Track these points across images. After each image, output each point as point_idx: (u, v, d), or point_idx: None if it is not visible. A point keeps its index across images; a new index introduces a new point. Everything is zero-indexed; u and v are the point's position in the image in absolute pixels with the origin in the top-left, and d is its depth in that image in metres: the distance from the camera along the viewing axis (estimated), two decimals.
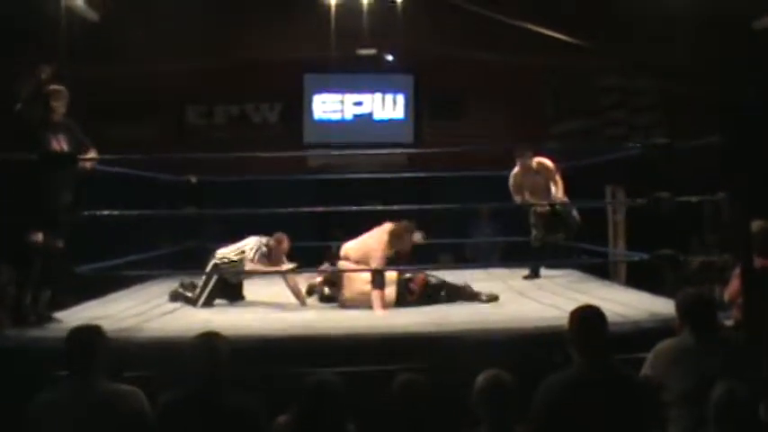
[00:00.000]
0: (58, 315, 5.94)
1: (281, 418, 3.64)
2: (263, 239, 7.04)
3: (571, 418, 3.53)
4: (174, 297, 7.10)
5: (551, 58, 11.57)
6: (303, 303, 6.88)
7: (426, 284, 6.83)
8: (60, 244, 5.97)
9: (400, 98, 12.65)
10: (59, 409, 3.67)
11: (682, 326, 4.11)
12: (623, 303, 6.12)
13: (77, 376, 3.76)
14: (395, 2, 11.58)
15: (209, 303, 6.86)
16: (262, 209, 6.96)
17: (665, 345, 4.06)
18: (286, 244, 7.10)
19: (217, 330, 3.98)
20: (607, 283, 8.29)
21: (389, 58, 12.44)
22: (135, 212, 6.74)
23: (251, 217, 7.19)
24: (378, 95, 12.67)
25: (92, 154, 6.16)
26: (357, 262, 6.93)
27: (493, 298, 6.90)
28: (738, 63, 10.35)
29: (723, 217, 8.38)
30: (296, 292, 6.90)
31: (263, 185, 9.17)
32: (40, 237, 5.82)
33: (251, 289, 7.28)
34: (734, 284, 5.57)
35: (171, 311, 6.60)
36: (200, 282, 6.98)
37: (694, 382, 3.75)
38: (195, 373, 3.71)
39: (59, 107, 6.02)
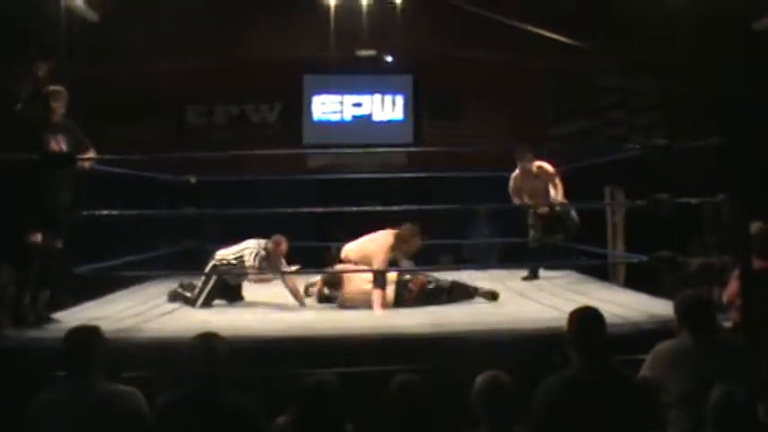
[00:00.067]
0: (57, 315, 5.94)
1: (281, 419, 3.64)
2: (262, 242, 7.04)
3: (570, 419, 3.53)
4: (173, 297, 7.10)
5: (551, 58, 11.57)
6: (302, 304, 6.88)
7: (424, 286, 6.83)
8: (59, 244, 5.96)
9: (399, 99, 12.66)
10: (58, 409, 3.66)
11: (680, 327, 4.10)
12: (622, 305, 6.11)
13: (76, 377, 3.76)
14: (394, 3, 11.58)
15: (207, 304, 6.86)
16: (261, 209, 6.96)
17: (663, 346, 4.06)
18: (284, 246, 7.09)
19: (215, 331, 3.97)
20: (606, 284, 8.28)
21: (389, 58, 12.45)
22: (134, 212, 6.73)
23: (250, 217, 7.18)
24: (377, 96, 12.68)
25: (91, 154, 6.15)
26: (357, 263, 6.94)
27: (493, 294, 6.91)
28: (738, 63, 10.35)
29: (723, 218, 8.37)
30: (295, 293, 6.90)
31: (262, 186, 9.18)
32: (39, 237, 5.81)
33: (250, 289, 7.28)
34: (733, 286, 5.57)
35: (169, 312, 6.59)
36: (199, 282, 6.99)
37: (693, 384, 3.74)
38: (194, 374, 3.71)
39: (59, 107, 6.01)
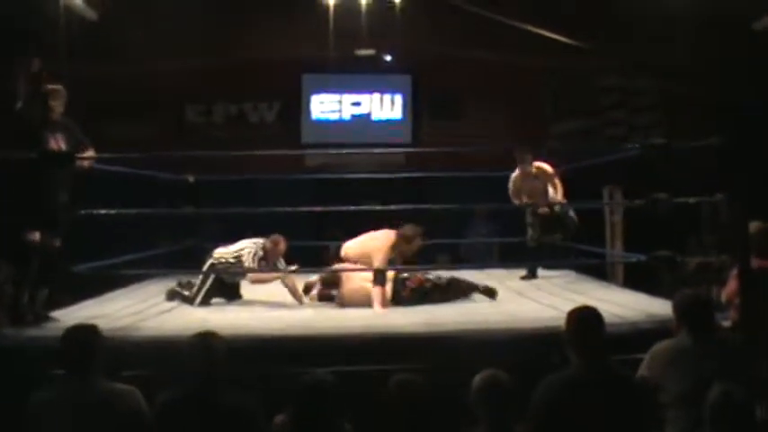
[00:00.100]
0: (56, 314, 5.94)
1: (278, 418, 3.64)
2: (260, 241, 7.04)
3: (569, 418, 3.53)
4: (171, 296, 7.09)
5: (551, 58, 11.58)
6: (301, 302, 6.88)
7: (422, 284, 6.83)
8: (58, 243, 5.96)
9: (398, 98, 12.66)
10: (57, 408, 3.66)
11: (679, 327, 4.10)
12: (620, 304, 6.11)
13: (74, 376, 3.76)
14: (393, 2, 11.57)
15: (206, 302, 6.86)
16: (259, 208, 6.96)
17: (662, 346, 4.06)
18: (282, 245, 7.10)
19: (214, 329, 3.98)
20: (604, 283, 8.28)
21: (388, 58, 12.45)
22: (132, 211, 6.73)
23: (249, 216, 7.19)
24: (376, 96, 12.68)
25: (90, 153, 6.15)
26: (357, 261, 6.95)
27: (491, 290, 6.93)
28: (738, 63, 10.36)
29: (721, 218, 8.37)
30: (293, 292, 6.91)
31: (261, 185, 9.18)
32: (37, 236, 5.80)
33: (248, 288, 7.27)
34: (731, 285, 5.57)
35: (168, 310, 6.59)
36: (197, 281, 6.98)
37: (691, 383, 3.74)
38: (192, 373, 3.71)
39: (57, 106, 6.01)
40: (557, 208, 8.21)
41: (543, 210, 8.24)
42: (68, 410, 3.64)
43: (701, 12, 9.71)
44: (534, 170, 8.20)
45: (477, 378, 3.51)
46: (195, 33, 10.65)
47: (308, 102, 12.62)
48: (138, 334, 5.40)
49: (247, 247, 6.98)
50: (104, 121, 10.52)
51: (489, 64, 11.89)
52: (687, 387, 3.77)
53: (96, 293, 7.18)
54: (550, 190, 8.19)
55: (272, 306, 6.77)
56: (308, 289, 7.14)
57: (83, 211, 6.07)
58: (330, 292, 6.93)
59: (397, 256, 7.03)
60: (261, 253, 6.97)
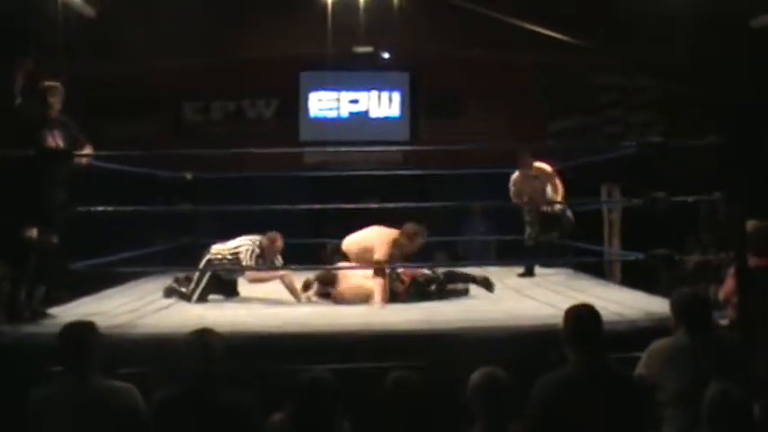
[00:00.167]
0: (53, 311, 5.93)
1: (277, 416, 3.63)
2: (257, 239, 7.04)
3: (566, 417, 3.52)
4: (169, 293, 7.09)
5: (549, 57, 11.57)
6: (298, 300, 6.88)
7: (414, 279, 6.84)
8: (55, 240, 5.95)
9: (396, 96, 12.66)
10: (54, 405, 3.66)
11: (677, 325, 4.10)
12: (618, 302, 6.11)
13: (71, 373, 3.76)
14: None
15: (203, 299, 6.86)
16: (257, 206, 6.95)
17: (659, 344, 4.06)
18: (280, 243, 7.09)
19: (211, 326, 3.98)
20: (602, 281, 8.28)
21: (386, 55, 12.44)
22: (129, 209, 6.73)
23: (246, 214, 7.19)
24: (374, 93, 12.67)
25: (87, 150, 6.15)
26: (358, 254, 6.94)
27: (488, 281, 6.97)
28: (738, 63, 10.37)
29: (719, 216, 8.38)
30: (291, 289, 6.90)
31: (259, 182, 9.17)
32: (34, 233, 5.80)
33: (246, 285, 7.27)
34: (729, 284, 5.57)
35: (165, 308, 6.59)
36: (194, 277, 6.98)
37: (689, 382, 3.74)
38: (189, 370, 3.71)
39: (56, 103, 6.01)
40: (555, 207, 8.23)
41: (547, 209, 8.26)
42: (66, 407, 3.64)
43: (700, 11, 9.73)
44: (534, 171, 8.22)
45: (475, 375, 3.50)
46: (193, 31, 10.66)
47: (306, 99, 12.62)
48: (135, 331, 5.40)
49: (245, 245, 6.97)
50: (103, 119, 10.54)
51: (488, 62, 11.89)
52: (685, 385, 3.77)
53: (94, 291, 7.17)
54: (549, 189, 8.21)
55: (269, 303, 6.77)
56: (306, 286, 7.14)
57: (80, 209, 6.06)
58: (328, 290, 6.93)
59: (398, 254, 7.02)
60: (258, 251, 6.97)
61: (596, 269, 8.96)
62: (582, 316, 3.79)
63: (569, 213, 8.38)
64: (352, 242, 7.09)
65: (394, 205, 7.13)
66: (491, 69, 11.92)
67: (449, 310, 6.27)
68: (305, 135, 12.46)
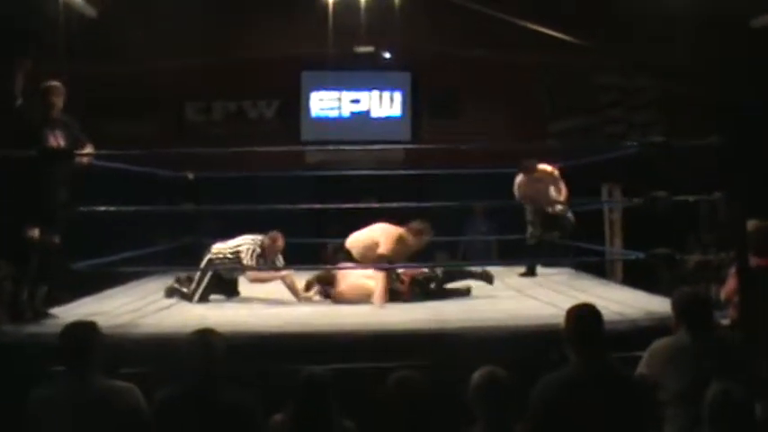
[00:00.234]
0: (55, 311, 5.93)
1: (278, 416, 3.63)
2: (258, 238, 7.04)
3: (568, 417, 3.52)
4: (170, 293, 7.09)
5: (550, 56, 11.57)
6: (300, 299, 6.88)
7: (414, 278, 6.84)
8: (57, 240, 5.96)
9: (397, 96, 12.65)
10: (55, 405, 3.66)
11: (678, 325, 4.10)
12: (619, 302, 6.11)
13: (73, 373, 3.75)
14: None
15: (204, 299, 6.86)
16: (259, 205, 6.95)
17: (660, 343, 4.06)
18: (281, 242, 7.10)
19: (212, 326, 3.98)
20: (603, 281, 8.29)
21: (387, 55, 12.43)
22: (131, 208, 6.73)
23: (248, 213, 7.19)
24: (375, 93, 12.67)
25: (88, 150, 6.15)
26: (362, 252, 6.94)
27: (488, 275, 7.00)
28: (738, 63, 10.37)
29: (720, 216, 8.38)
30: (292, 289, 6.91)
31: (260, 182, 9.17)
32: (36, 233, 5.80)
33: (247, 284, 7.27)
34: (730, 283, 5.57)
35: (167, 307, 6.60)
36: (195, 277, 6.99)
37: (690, 381, 3.74)
38: (191, 370, 3.71)
39: (57, 103, 6.01)
40: (557, 207, 8.24)
41: (553, 209, 8.27)
42: (67, 407, 3.63)
43: (700, 11, 9.73)
44: (539, 173, 8.23)
45: (476, 375, 3.50)
46: (194, 31, 10.66)
47: (308, 99, 12.61)
48: (136, 331, 5.41)
49: (246, 244, 6.98)
50: (104, 119, 10.55)
51: (488, 61, 11.88)
52: (686, 385, 3.77)
53: (95, 290, 7.18)
54: (552, 190, 8.22)
55: (270, 303, 6.78)
56: (309, 286, 7.15)
57: (82, 209, 6.07)
58: (329, 290, 6.94)
59: (402, 251, 7.01)
60: (259, 250, 6.97)
61: (597, 269, 8.96)
62: (583, 315, 3.79)
63: (570, 215, 8.39)
64: (355, 240, 7.09)
65: (396, 205, 7.14)
66: (492, 69, 11.92)
67: (450, 309, 6.27)
68: (306, 135, 12.45)
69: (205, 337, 3.81)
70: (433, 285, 6.87)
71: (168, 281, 7.39)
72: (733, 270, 5.47)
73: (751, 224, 5.48)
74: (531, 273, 8.39)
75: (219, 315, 6.09)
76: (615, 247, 9.69)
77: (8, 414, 4.10)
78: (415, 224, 6.96)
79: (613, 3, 10.63)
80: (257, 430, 3.66)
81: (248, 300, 7.03)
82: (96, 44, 10.31)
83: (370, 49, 12.19)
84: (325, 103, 12.65)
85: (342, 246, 7.27)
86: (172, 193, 8.71)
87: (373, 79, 12.69)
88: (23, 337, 5.26)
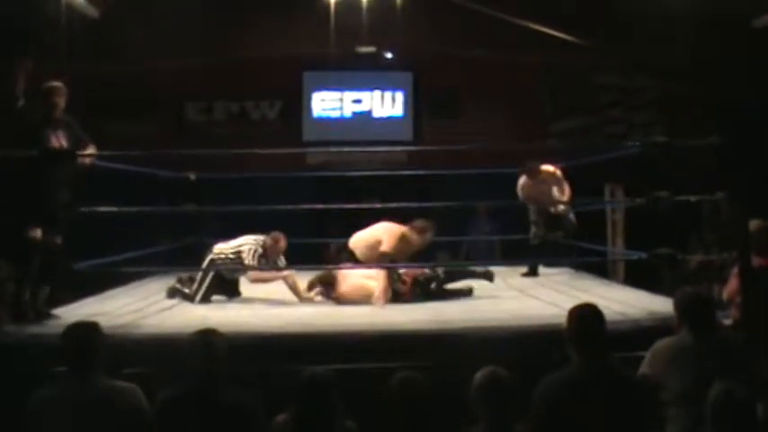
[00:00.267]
0: (57, 311, 5.93)
1: (280, 417, 3.63)
2: (260, 239, 7.04)
3: (570, 416, 3.52)
4: (172, 293, 7.09)
5: (550, 56, 11.57)
6: (301, 300, 6.88)
7: (416, 279, 6.84)
8: (59, 240, 5.96)
9: (399, 96, 12.65)
10: (57, 405, 3.66)
11: (680, 325, 4.10)
12: (622, 302, 6.11)
13: (75, 373, 3.76)
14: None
15: (206, 299, 6.86)
16: (261, 206, 6.95)
17: (663, 343, 4.05)
18: (283, 243, 7.10)
19: (214, 327, 3.98)
20: (605, 281, 8.28)
21: (389, 55, 12.43)
22: (133, 209, 6.73)
23: (250, 214, 7.19)
24: (377, 93, 12.66)
25: (90, 150, 6.15)
26: (365, 252, 6.94)
27: (489, 274, 7.01)
28: (738, 63, 10.36)
29: (722, 216, 8.38)
30: (294, 289, 6.91)
31: (262, 182, 9.17)
32: (38, 233, 5.80)
33: (248, 285, 7.27)
34: (732, 283, 5.58)
35: (169, 308, 6.60)
36: (197, 278, 6.99)
37: (692, 382, 3.74)
38: (193, 370, 3.71)
39: (60, 103, 6.01)
40: (560, 207, 8.24)
41: (557, 209, 8.28)
42: (69, 408, 3.64)
43: (700, 11, 9.73)
44: (542, 175, 8.23)
45: (478, 375, 3.50)
46: (195, 31, 10.66)
47: (309, 99, 12.61)
48: (138, 331, 5.41)
49: (247, 244, 6.98)
50: (105, 119, 10.54)
51: (489, 61, 11.88)
52: (688, 385, 3.77)
53: (97, 291, 7.18)
54: (555, 190, 8.22)
55: (272, 303, 6.78)
56: (311, 287, 7.15)
57: (84, 209, 6.07)
58: (330, 291, 6.94)
59: (405, 249, 7.01)
60: (261, 250, 6.98)
61: (600, 269, 8.96)
62: (585, 316, 3.79)
63: (572, 216, 8.39)
64: (359, 239, 7.08)
65: (398, 205, 7.15)
66: (492, 69, 11.92)
67: (452, 310, 6.27)
68: (308, 135, 12.45)
69: (207, 338, 3.81)
70: (433, 286, 6.86)
71: (170, 281, 7.38)
72: (735, 270, 5.48)
73: (753, 224, 5.48)
74: (533, 273, 8.39)
75: (221, 315, 6.09)
76: (617, 248, 9.68)
77: (10, 414, 4.10)
78: (419, 222, 6.96)
79: (613, 3, 10.63)
80: (259, 431, 3.66)
81: (250, 300, 7.03)
82: (96, 44, 10.31)
83: (371, 49, 12.19)
84: (326, 104, 12.65)
85: (345, 246, 7.27)
86: (173, 194, 8.71)
87: (375, 79, 12.68)
88: (25, 337, 5.27)
